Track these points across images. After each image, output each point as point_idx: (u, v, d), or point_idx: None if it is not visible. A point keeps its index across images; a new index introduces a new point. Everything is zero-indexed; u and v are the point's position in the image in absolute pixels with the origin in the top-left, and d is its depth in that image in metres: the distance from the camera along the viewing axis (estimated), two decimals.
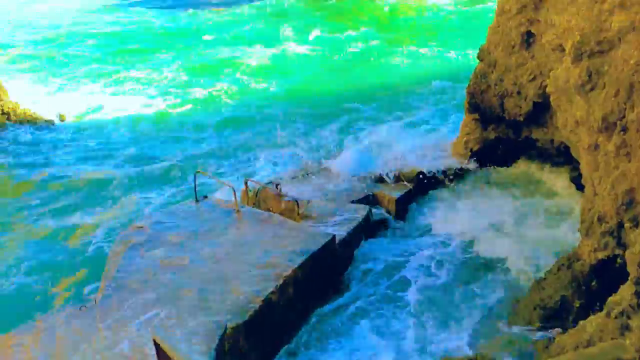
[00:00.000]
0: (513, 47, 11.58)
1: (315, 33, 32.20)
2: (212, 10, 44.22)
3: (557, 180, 12.27)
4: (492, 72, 12.03)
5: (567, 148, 10.41)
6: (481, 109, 12.53)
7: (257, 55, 28.78)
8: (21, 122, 20.31)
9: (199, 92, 24.17)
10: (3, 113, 19.99)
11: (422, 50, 28.54)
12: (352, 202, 11.42)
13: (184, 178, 15.21)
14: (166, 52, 31.11)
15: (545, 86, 10.73)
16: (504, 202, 11.80)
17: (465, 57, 26.58)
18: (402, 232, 11.43)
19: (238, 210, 10.10)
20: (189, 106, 22.77)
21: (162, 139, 19.39)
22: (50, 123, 20.95)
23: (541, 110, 11.59)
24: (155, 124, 20.90)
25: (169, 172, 16.16)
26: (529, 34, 11.26)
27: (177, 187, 14.98)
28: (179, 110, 22.43)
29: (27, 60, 31.34)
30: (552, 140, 11.77)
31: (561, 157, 11.87)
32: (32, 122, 20.53)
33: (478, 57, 12.38)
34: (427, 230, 11.32)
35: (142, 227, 9.68)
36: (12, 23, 44.33)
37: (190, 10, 44.44)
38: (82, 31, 39.23)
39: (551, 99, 9.92)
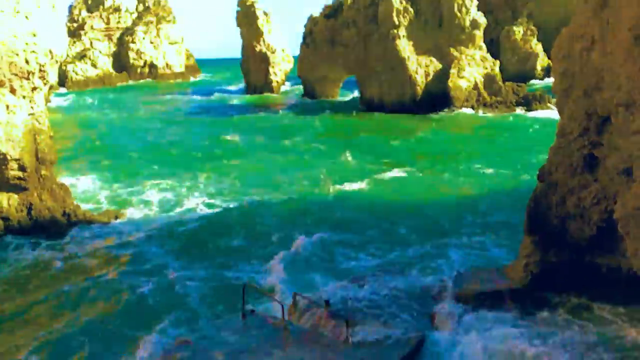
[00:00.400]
0: (575, 169, 11.28)
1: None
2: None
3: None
4: (554, 193, 11.68)
5: (637, 277, 9.75)
6: (542, 231, 12.05)
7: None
8: (81, 222, 20.99)
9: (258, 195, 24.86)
10: (64, 214, 20.69)
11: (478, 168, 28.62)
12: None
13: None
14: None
15: (611, 210, 10.29)
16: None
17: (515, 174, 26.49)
18: None
19: (286, 328, 9.73)
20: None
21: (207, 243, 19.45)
22: (105, 223, 21.51)
23: (607, 235, 11.04)
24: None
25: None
26: (592, 157, 10.97)
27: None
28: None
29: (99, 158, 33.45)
30: (619, 268, 11.10)
31: (630, 287, 11.11)
32: (90, 222, 21.17)
33: (538, 178, 12.09)
34: None
35: (187, 341, 9.40)
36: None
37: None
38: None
39: (619, 225, 9.44)
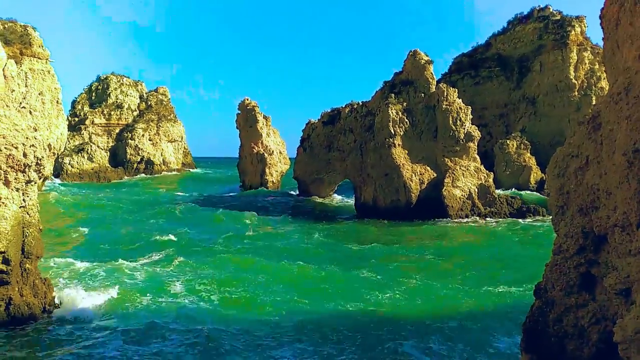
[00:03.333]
0: (572, 287, 11.04)
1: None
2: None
3: None
4: (551, 311, 11.35)
5: None
6: (539, 350, 11.59)
7: None
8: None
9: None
10: (44, 311, 19.98)
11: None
12: None
13: None
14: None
15: (610, 331, 9.95)
16: None
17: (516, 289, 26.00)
18: None
19: None
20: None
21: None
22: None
23: (608, 356, 10.61)
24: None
25: None
26: (589, 275, 10.78)
27: None
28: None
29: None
30: None
31: None
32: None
33: (534, 295, 11.81)
34: None
35: None
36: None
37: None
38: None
39: (619, 349, 9.07)
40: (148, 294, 24.67)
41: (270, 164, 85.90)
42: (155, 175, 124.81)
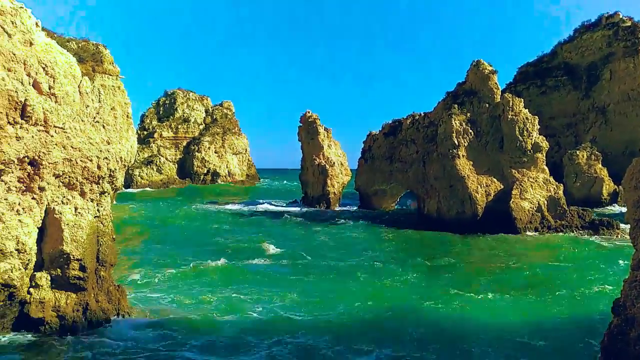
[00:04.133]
0: None
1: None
2: None
3: None
4: (631, 329, 10.75)
5: None
6: None
7: None
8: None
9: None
10: (118, 316, 20.72)
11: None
12: None
13: None
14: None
15: None
16: None
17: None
18: None
19: None
20: None
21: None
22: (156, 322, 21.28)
23: None
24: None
25: None
26: None
27: None
28: None
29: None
30: None
31: None
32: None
33: (612, 312, 11.23)
34: None
35: None
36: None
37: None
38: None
39: None
40: (222, 305, 25.06)
41: (331, 175, 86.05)
42: (220, 184, 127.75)
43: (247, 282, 30.08)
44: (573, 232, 49.00)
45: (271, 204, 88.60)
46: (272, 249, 41.13)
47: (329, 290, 28.27)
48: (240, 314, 23.94)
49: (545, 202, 51.34)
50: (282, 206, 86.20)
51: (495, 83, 56.39)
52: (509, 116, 53.09)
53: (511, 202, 50.49)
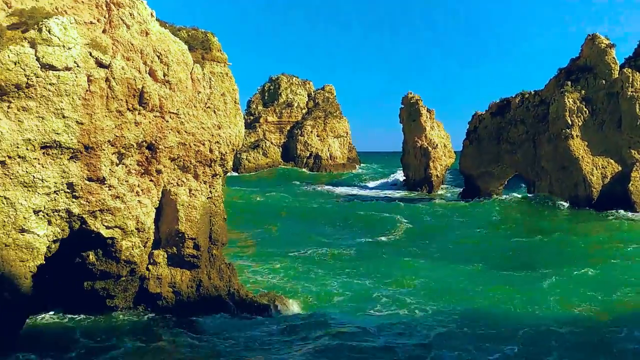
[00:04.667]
0: None
1: None
2: None
3: None
4: None
5: None
6: None
7: None
8: (243, 302, 21.68)
9: None
10: (228, 294, 21.64)
11: None
12: None
13: None
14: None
15: None
16: None
17: None
18: None
19: None
20: None
21: None
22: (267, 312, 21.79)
23: None
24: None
25: None
26: None
27: None
28: None
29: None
30: None
31: None
32: (251, 304, 21.76)
33: None
34: None
35: None
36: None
37: None
38: None
39: None
40: (341, 297, 24.78)
41: (434, 157, 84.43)
42: (322, 171, 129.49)
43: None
44: None
45: (369, 188, 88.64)
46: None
47: None
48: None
49: None
50: (381, 189, 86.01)
51: (613, 57, 52.43)
52: (629, 93, 49.23)
53: (630, 185, 47.01)
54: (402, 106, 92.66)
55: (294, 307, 22.77)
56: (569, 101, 51.01)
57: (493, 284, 26.26)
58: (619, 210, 45.57)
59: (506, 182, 74.06)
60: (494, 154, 64.88)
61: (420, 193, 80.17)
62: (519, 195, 62.48)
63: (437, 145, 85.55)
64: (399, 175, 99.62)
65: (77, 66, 16.54)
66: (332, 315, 21.69)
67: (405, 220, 46.04)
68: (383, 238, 39.44)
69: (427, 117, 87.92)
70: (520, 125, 59.96)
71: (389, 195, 75.27)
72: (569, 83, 53.35)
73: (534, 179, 55.44)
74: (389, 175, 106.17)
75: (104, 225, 18.45)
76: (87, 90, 16.81)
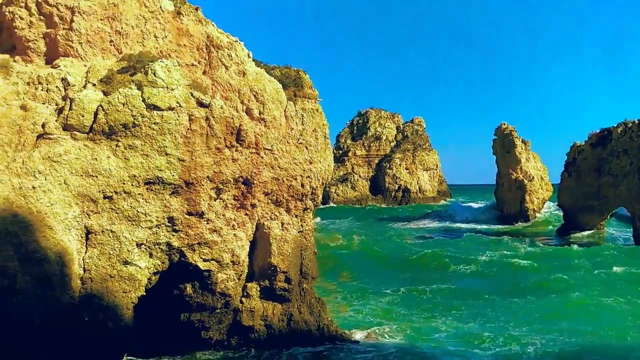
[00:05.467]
0: None
1: None
2: None
3: None
4: None
5: None
6: None
7: None
8: (333, 338, 21.58)
9: None
10: (318, 329, 21.56)
11: None
12: None
13: None
14: None
15: None
16: None
17: None
18: None
19: None
20: None
21: None
22: (356, 342, 21.72)
23: None
24: None
25: None
26: None
27: None
28: None
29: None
30: None
31: None
32: (342, 339, 21.62)
33: None
34: None
35: None
36: None
37: None
38: None
39: None
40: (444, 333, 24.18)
41: (530, 190, 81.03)
42: (412, 204, 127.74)
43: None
44: None
45: (463, 222, 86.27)
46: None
47: None
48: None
49: None
50: (475, 223, 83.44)
51: None
52: None
53: None
54: (495, 137, 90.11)
55: (388, 340, 22.41)
56: None
57: None
58: None
59: (608, 217, 69.63)
60: (594, 187, 61.35)
61: (517, 226, 76.94)
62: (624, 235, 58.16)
63: (533, 177, 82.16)
64: (491, 208, 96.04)
65: (180, 106, 17.46)
66: (434, 351, 21.07)
67: (503, 256, 44.21)
68: (481, 278, 37.90)
69: (522, 149, 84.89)
70: (623, 156, 56.46)
71: (483, 230, 72.71)
72: None
73: None
74: (482, 210, 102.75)
75: (201, 258, 19.06)
76: (188, 129, 17.67)
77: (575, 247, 49.26)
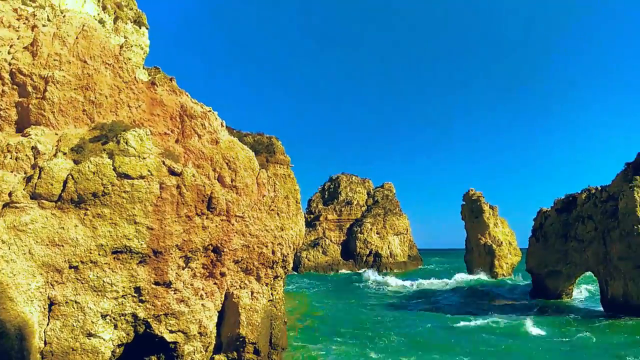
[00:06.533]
0: None
1: None
2: None
3: None
4: None
5: None
6: None
7: None
8: None
9: None
10: None
11: None
12: None
13: None
14: None
15: None
16: None
17: None
18: None
19: None
20: None
21: None
22: None
23: None
24: None
25: None
26: None
27: None
28: None
29: None
30: None
31: None
32: None
33: None
34: None
35: None
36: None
37: None
38: None
39: None
40: None
41: (499, 255, 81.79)
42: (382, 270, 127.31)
43: None
44: None
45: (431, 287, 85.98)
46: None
47: None
48: None
49: None
50: (443, 288, 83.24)
51: None
52: None
53: None
54: (464, 203, 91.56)
55: None
56: (639, 196, 49.07)
57: None
58: None
59: (576, 282, 70.48)
60: (561, 252, 62.19)
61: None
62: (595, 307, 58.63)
63: (502, 242, 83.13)
64: (462, 276, 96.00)
65: (151, 174, 17.46)
66: None
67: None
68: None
69: (490, 214, 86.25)
70: (588, 221, 57.70)
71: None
72: (638, 178, 51.54)
73: (607, 278, 52.34)
74: (454, 275, 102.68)
75: (167, 329, 18.56)
76: (158, 197, 17.61)
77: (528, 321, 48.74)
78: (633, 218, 48.77)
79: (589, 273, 61.91)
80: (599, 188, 59.21)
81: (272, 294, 22.20)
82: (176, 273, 18.51)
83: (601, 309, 52.58)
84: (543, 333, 39.45)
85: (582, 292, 70.33)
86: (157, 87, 20.44)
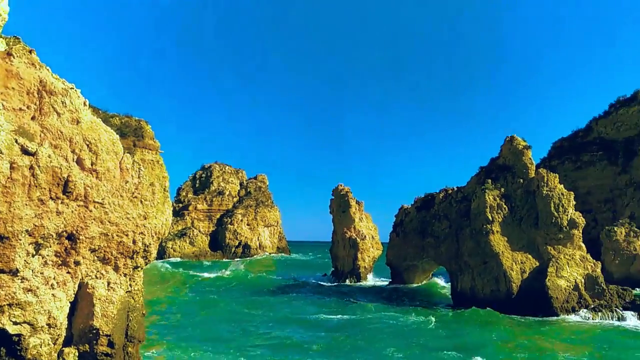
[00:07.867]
0: None
1: None
2: None
3: None
4: None
5: None
6: None
7: None
8: None
9: None
10: None
11: None
12: None
13: None
14: None
15: None
16: None
17: None
18: None
19: None
20: None
21: None
22: None
23: None
24: None
25: None
26: None
27: None
28: None
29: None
30: None
31: None
32: None
33: None
34: None
35: None
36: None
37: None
38: None
39: None
40: None
41: (362, 249, 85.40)
42: (251, 258, 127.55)
43: None
44: (611, 312, 46.77)
45: (299, 279, 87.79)
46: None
47: None
48: None
49: (583, 281, 49.66)
50: (311, 280, 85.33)
51: (530, 158, 56.10)
52: (544, 192, 52.46)
53: (547, 280, 48.97)
54: (333, 197, 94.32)
55: None
56: (489, 198, 53.61)
57: None
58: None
59: (430, 275, 75.71)
60: (419, 247, 66.44)
61: (348, 284, 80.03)
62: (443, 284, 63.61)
63: (365, 236, 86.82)
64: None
65: (1, 153, 16.05)
66: None
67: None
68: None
69: (356, 209, 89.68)
70: (444, 220, 62.10)
71: (318, 288, 74.56)
72: (490, 181, 56.34)
73: (457, 273, 56.77)
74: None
75: (11, 320, 17.23)
76: (8, 178, 16.24)
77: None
78: (483, 218, 53.27)
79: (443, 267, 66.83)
80: (455, 189, 63.85)
81: (130, 284, 21.40)
82: (25, 260, 17.20)
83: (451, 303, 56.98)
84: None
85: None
86: (14, 58, 18.73)
